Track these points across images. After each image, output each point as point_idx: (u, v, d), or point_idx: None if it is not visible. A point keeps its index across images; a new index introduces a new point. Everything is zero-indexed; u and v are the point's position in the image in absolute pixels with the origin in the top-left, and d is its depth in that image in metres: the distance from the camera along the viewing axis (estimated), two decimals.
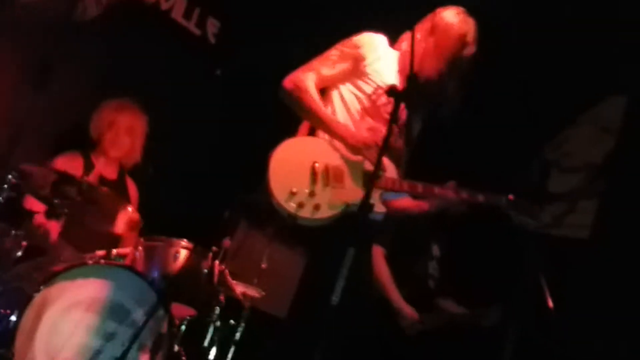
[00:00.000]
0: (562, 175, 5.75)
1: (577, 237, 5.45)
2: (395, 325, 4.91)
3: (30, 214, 4.58)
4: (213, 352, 4.70)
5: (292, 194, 3.51)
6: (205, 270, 4.45)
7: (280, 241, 4.62)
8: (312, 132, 3.79)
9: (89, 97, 5.32)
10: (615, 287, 4.94)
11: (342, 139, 3.64)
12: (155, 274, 4.40)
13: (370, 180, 3.04)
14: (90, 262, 4.14)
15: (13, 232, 4.23)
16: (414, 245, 5.23)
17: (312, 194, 3.54)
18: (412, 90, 3.25)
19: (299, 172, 3.59)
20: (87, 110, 5.16)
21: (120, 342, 3.99)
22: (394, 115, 3.22)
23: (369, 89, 3.79)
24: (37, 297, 3.84)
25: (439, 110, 3.92)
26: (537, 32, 5.35)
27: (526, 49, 5.44)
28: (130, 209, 4.49)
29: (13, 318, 3.80)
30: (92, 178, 4.67)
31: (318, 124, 3.71)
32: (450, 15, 3.81)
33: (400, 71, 3.84)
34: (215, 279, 4.44)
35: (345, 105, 3.80)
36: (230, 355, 4.71)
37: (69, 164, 4.84)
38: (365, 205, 3.03)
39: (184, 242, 4.52)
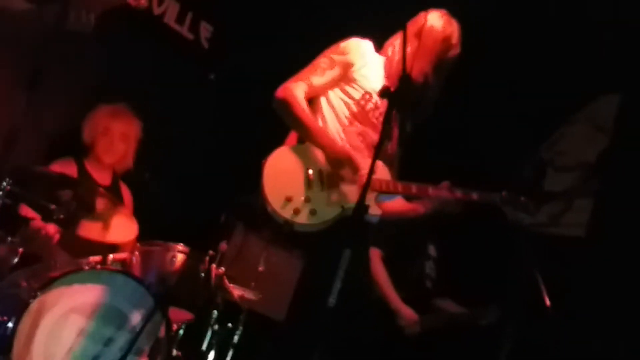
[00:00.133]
0: (557, 174, 5.77)
1: (573, 235, 5.46)
2: (393, 326, 4.92)
3: (26, 220, 4.57)
4: (211, 355, 4.71)
5: (288, 200, 3.53)
6: (203, 274, 4.45)
7: (277, 244, 4.62)
8: (301, 140, 3.80)
9: (83, 102, 5.31)
10: (612, 284, 4.95)
11: (323, 150, 3.65)
12: (152, 279, 4.39)
13: (365, 182, 3.03)
14: (86, 267, 4.14)
15: (9, 239, 4.22)
16: (411, 246, 5.24)
17: (307, 199, 3.57)
18: (404, 91, 3.25)
19: (294, 178, 3.62)
20: (80, 116, 5.15)
21: (118, 347, 3.99)
22: (388, 116, 3.22)
23: (357, 95, 3.81)
24: (34, 304, 3.84)
25: (417, 111, 3.94)
26: (530, 30, 5.37)
27: (519, 47, 5.45)
28: (125, 214, 4.49)
29: (10, 325, 3.79)
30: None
31: (304, 135, 3.72)
32: (434, 18, 3.83)
33: (387, 77, 3.87)
34: (213, 282, 4.44)
35: (334, 111, 3.82)
36: (228, 359, 4.71)
37: (63, 170, 4.82)
38: (360, 207, 3.03)
39: (181, 247, 4.51)
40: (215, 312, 4.65)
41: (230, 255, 4.61)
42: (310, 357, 2.83)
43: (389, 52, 3.92)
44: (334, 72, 3.82)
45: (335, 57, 3.84)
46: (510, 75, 5.52)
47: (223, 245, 4.53)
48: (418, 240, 5.27)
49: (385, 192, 3.69)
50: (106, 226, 4.41)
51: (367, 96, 3.80)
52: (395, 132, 3.89)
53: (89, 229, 4.42)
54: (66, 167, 4.89)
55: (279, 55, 5.61)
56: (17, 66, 5.00)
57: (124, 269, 4.39)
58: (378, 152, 3.11)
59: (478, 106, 5.61)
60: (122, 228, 4.49)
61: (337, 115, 3.81)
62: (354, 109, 3.80)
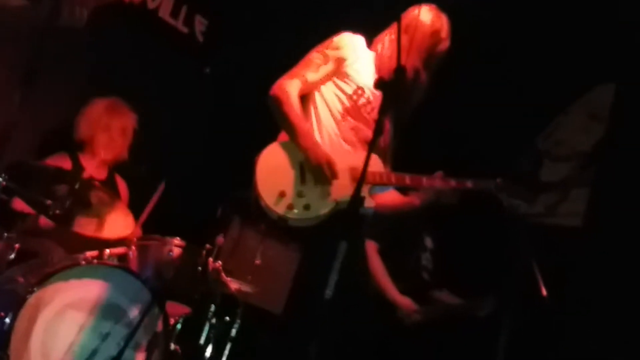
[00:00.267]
0: (553, 164, 5.77)
1: (570, 225, 5.46)
2: (390, 318, 4.92)
3: (22, 215, 4.57)
4: (209, 349, 4.70)
5: (281, 196, 3.54)
6: (200, 268, 4.45)
7: (274, 237, 4.62)
8: None
9: (78, 97, 5.30)
10: (610, 274, 4.96)
11: (304, 153, 3.63)
12: (149, 273, 4.40)
13: (360, 175, 3.03)
14: (83, 262, 4.13)
15: (5, 234, 4.23)
16: (407, 238, 5.25)
17: (300, 194, 3.58)
18: (399, 82, 3.25)
19: (287, 173, 3.63)
20: (76, 110, 5.14)
21: (116, 342, 3.99)
22: (383, 107, 3.22)
23: (349, 90, 3.82)
24: (31, 299, 3.83)
25: (406, 104, 3.94)
26: (526, 21, 5.37)
27: (515, 38, 5.46)
28: (122, 208, 4.48)
29: (7, 320, 3.78)
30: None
31: (289, 134, 3.71)
32: (423, 13, 3.83)
33: (377, 72, 3.86)
34: (210, 276, 4.44)
35: (327, 106, 3.83)
36: (226, 353, 4.71)
37: (58, 165, 4.81)
38: (356, 199, 3.03)
39: (177, 241, 4.52)
40: (212, 305, 4.65)
41: (227, 248, 4.61)
42: (307, 349, 2.83)
43: (379, 49, 3.93)
44: (328, 68, 3.83)
45: (329, 52, 3.84)
46: (505, 66, 5.52)
47: (220, 239, 4.54)
48: (414, 232, 5.28)
49: (379, 183, 3.70)
50: (102, 221, 4.41)
51: (360, 91, 3.81)
52: (387, 125, 3.89)
53: (85, 224, 4.42)
54: (60, 162, 4.89)
55: (274, 48, 5.61)
56: (11, 62, 5.00)
57: (121, 263, 4.39)
58: (374, 144, 3.10)
59: (473, 98, 5.60)
60: (119, 222, 4.48)
61: (330, 110, 3.82)
62: (347, 103, 3.81)
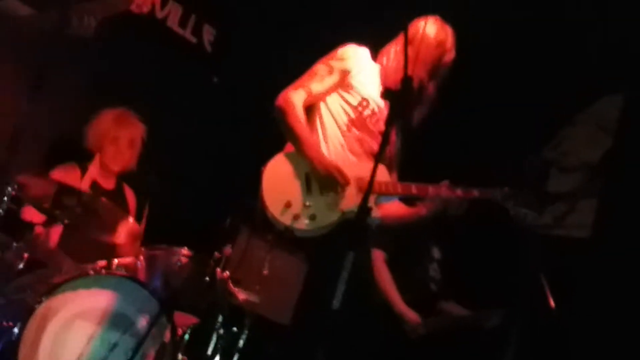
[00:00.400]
0: (561, 174, 5.76)
1: (578, 237, 5.44)
2: (397, 328, 4.91)
3: (30, 225, 4.58)
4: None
5: (287, 206, 3.55)
6: (207, 278, 4.45)
7: (282, 247, 4.63)
8: None
9: (86, 107, 5.31)
10: (617, 285, 4.94)
11: (310, 163, 3.63)
12: (157, 283, 4.40)
13: (368, 185, 3.03)
14: (91, 272, 4.14)
15: (14, 244, 4.24)
16: (414, 248, 5.23)
17: (306, 205, 3.57)
18: (406, 93, 3.26)
19: (293, 184, 3.63)
20: (84, 120, 5.15)
21: (124, 352, 3.98)
22: (391, 117, 3.22)
23: (354, 101, 3.82)
24: (40, 309, 3.84)
25: (413, 116, 3.94)
26: (533, 29, 5.36)
27: (522, 47, 5.46)
28: (130, 219, 4.49)
29: (16, 330, 3.79)
30: (90, 189, 4.68)
31: (295, 145, 3.71)
32: (427, 25, 3.84)
33: (383, 85, 3.86)
34: (218, 286, 4.44)
35: (332, 117, 3.83)
36: None
37: (67, 175, 4.81)
38: (364, 210, 3.03)
39: (185, 250, 4.52)
40: (220, 316, 4.65)
41: (234, 258, 4.61)
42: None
43: (384, 61, 3.93)
44: (333, 79, 3.83)
45: (334, 63, 3.85)
46: (511, 75, 5.52)
47: (227, 249, 4.54)
48: (422, 242, 5.26)
49: (385, 193, 3.69)
50: (111, 231, 4.42)
51: (365, 102, 3.82)
52: (393, 136, 3.89)
53: (93, 234, 4.43)
54: (69, 173, 4.89)
55: (282, 57, 5.63)
56: (20, 71, 5.02)
57: (129, 273, 4.39)
58: (381, 154, 3.11)
59: (480, 108, 5.60)
60: (127, 233, 4.49)
61: (336, 121, 3.82)
62: (352, 115, 3.81)
